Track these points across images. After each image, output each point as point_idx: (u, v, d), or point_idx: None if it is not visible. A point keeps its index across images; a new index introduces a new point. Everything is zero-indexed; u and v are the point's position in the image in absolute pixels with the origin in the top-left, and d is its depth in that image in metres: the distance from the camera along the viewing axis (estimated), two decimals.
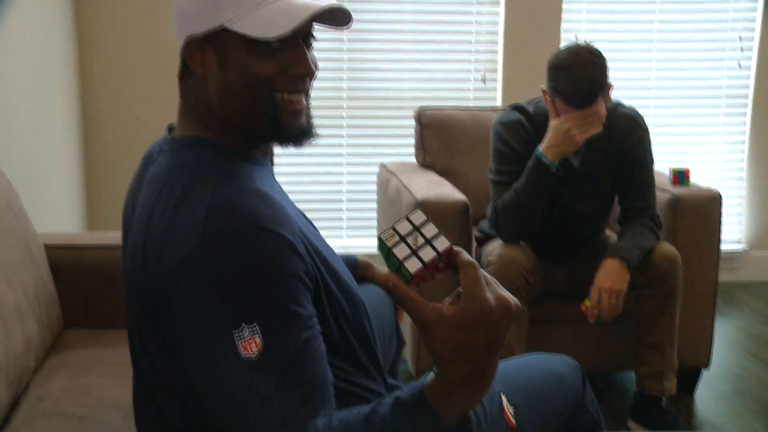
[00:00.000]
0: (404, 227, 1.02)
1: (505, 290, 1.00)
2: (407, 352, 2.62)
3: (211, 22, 1.14)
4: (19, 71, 2.59)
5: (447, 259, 1.01)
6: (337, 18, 1.20)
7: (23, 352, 1.67)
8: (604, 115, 2.26)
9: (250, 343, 1.02)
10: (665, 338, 2.39)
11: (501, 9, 3.63)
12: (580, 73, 2.21)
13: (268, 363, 1.02)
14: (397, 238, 1.02)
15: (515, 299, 1.00)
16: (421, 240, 1.01)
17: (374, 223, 3.61)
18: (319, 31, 1.23)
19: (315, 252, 1.16)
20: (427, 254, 1.00)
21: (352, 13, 1.20)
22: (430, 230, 1.01)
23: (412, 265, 0.99)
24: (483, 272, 1.00)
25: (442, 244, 1.00)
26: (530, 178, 2.32)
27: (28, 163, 2.66)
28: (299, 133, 1.21)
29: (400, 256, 1.00)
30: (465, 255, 1.00)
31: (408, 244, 1.01)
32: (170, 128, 1.29)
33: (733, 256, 3.91)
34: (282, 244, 1.07)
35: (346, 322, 1.22)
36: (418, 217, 1.02)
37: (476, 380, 0.98)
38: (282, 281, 1.05)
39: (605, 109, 2.28)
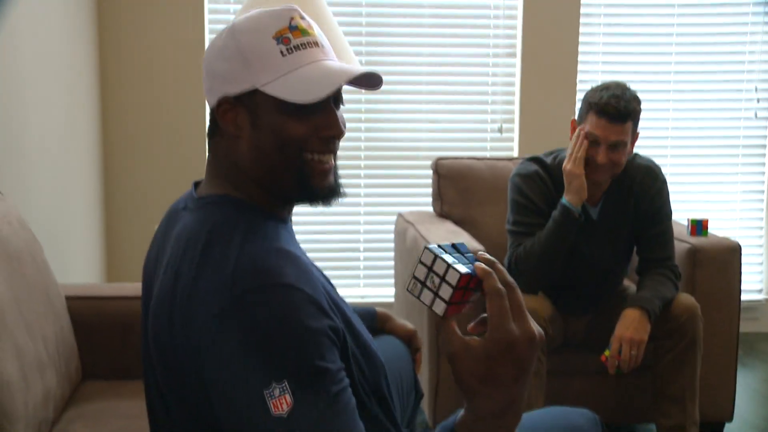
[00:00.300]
0: (421, 271, 1.03)
1: (531, 319, 1.00)
2: (424, 403, 2.60)
3: (244, 84, 1.18)
4: (42, 126, 2.64)
5: (474, 283, 1.02)
6: (368, 81, 1.23)
7: (42, 404, 1.68)
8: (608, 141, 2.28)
9: (281, 402, 1.03)
10: (686, 391, 2.36)
11: (517, 60, 3.67)
12: (618, 92, 2.29)
13: (299, 420, 1.03)
14: (419, 285, 1.03)
15: (540, 329, 1.00)
16: (437, 279, 1.02)
17: (391, 272, 3.61)
18: None
19: (337, 309, 1.17)
20: (446, 292, 1.01)
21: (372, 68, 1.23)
22: (440, 267, 1.02)
23: (439, 307, 1.01)
24: (513, 296, 1.00)
25: (453, 277, 1.01)
26: (554, 225, 2.33)
27: (51, 215, 2.69)
28: (328, 192, 1.24)
29: (427, 303, 1.02)
30: (492, 282, 1.00)
31: (429, 288, 1.02)
32: (196, 184, 1.31)
33: (754, 305, 3.87)
34: (307, 302, 1.08)
35: (364, 380, 1.21)
36: (428, 256, 1.03)
37: (505, 412, 0.99)
38: (309, 338, 1.06)
39: (630, 140, 2.32)
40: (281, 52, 1.17)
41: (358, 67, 1.19)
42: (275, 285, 1.07)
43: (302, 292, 1.08)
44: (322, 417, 1.04)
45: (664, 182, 2.45)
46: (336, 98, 1.23)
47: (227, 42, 1.20)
